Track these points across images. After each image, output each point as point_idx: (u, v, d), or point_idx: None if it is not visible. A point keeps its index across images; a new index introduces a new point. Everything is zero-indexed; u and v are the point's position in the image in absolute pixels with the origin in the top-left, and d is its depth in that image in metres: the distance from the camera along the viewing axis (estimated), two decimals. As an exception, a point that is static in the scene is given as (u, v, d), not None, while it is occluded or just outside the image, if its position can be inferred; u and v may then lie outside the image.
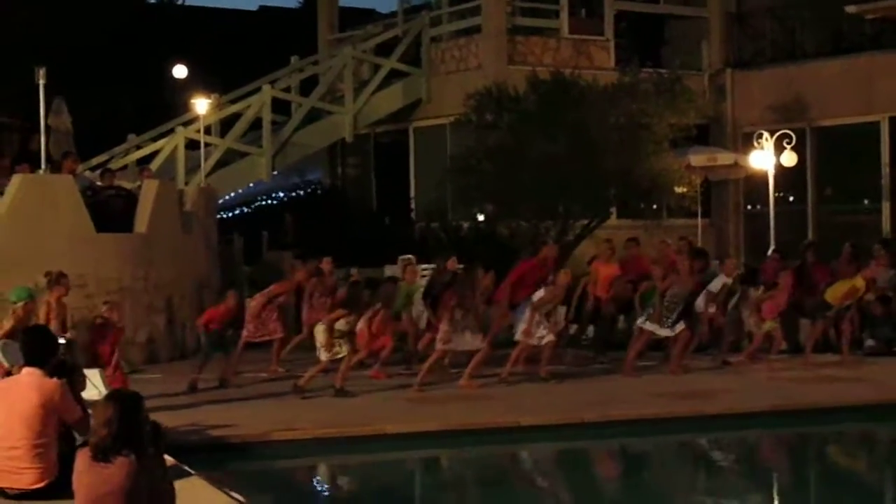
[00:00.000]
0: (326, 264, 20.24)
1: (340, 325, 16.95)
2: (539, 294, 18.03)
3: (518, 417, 15.26)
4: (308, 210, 28.68)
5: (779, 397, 16.60)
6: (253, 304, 19.01)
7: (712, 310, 19.47)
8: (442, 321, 17.67)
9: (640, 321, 18.92)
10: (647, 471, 15.20)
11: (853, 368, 18.96)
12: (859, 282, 19.63)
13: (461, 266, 19.41)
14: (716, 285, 19.54)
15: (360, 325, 17.23)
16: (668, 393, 16.86)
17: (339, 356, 16.95)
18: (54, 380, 9.49)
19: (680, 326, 18.68)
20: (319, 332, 16.99)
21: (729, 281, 19.62)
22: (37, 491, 9.42)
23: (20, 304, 14.78)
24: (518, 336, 18.12)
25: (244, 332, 18.93)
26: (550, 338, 18.04)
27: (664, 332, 18.76)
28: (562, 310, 19.01)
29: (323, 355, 16.96)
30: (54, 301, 15.91)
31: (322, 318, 17.35)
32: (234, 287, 19.48)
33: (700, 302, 19.33)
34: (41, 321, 15.03)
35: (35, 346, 9.73)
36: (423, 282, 19.97)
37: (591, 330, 21.04)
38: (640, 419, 15.48)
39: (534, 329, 17.86)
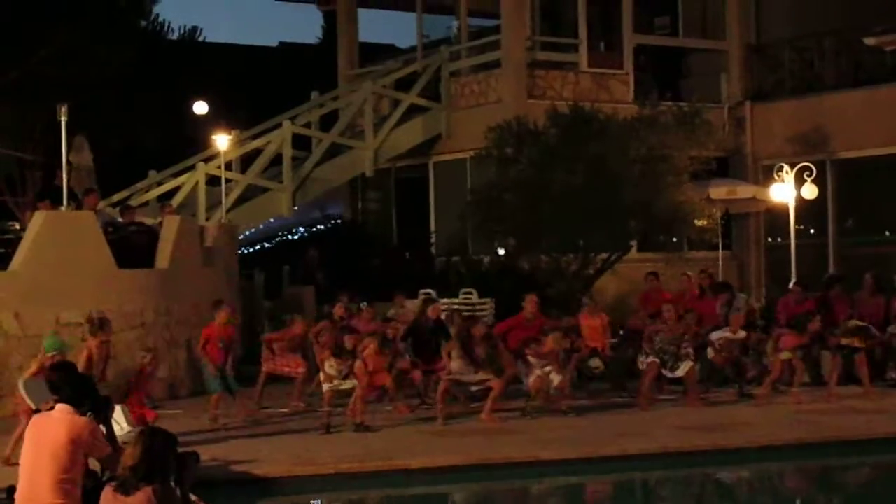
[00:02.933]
0: (339, 310, 20.24)
1: (331, 369, 17.06)
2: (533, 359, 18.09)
3: (539, 451, 15.22)
4: (329, 245, 28.69)
5: (801, 430, 16.53)
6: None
7: (711, 355, 19.49)
8: (445, 360, 17.86)
9: (639, 361, 18.98)
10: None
11: (877, 400, 18.89)
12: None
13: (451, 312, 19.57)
14: (717, 335, 19.53)
15: (357, 362, 17.29)
16: (690, 426, 16.80)
17: (344, 388, 17.02)
18: (84, 418, 9.52)
19: (686, 366, 18.68)
20: (321, 377, 17.45)
21: (732, 336, 19.59)
22: None
23: (49, 355, 14.78)
24: (530, 387, 18.17)
25: (264, 365, 19.04)
26: (560, 378, 18.06)
27: (667, 374, 18.82)
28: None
29: (325, 386, 17.18)
30: (95, 347, 15.92)
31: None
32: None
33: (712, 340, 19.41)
34: (82, 367, 14.97)
35: (71, 385, 9.75)
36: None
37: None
38: (661, 453, 15.43)
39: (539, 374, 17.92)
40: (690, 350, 18.89)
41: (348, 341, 17.29)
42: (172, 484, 7.88)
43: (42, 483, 9.27)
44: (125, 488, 7.70)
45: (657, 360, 18.68)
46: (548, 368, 17.92)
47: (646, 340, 18.97)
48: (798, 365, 19.45)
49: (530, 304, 19.65)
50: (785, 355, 19.25)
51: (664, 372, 18.82)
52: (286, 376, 19.29)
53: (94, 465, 9.77)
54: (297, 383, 19.23)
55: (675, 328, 18.91)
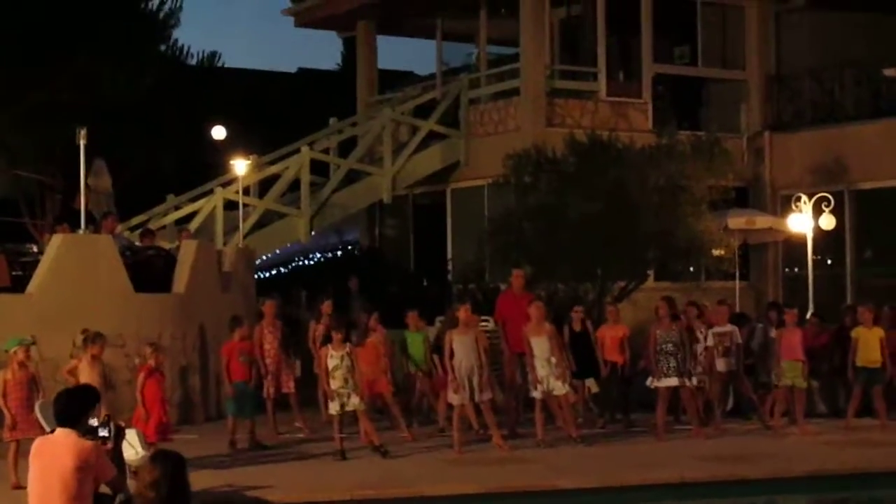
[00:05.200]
0: (327, 307, 20.32)
1: (338, 375, 16.95)
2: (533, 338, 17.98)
3: (556, 480, 15.18)
4: (345, 270, 28.67)
5: (819, 462, 16.46)
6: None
7: (722, 366, 19.42)
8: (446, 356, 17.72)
9: (648, 382, 18.93)
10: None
11: (893, 433, 18.79)
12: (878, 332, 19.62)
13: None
14: (710, 339, 19.46)
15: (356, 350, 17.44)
16: (709, 456, 16.73)
17: (350, 409, 16.98)
18: (90, 442, 9.48)
19: (691, 381, 18.62)
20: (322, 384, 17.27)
21: (720, 329, 19.56)
22: None
23: (12, 351, 15.00)
24: (532, 392, 18.08)
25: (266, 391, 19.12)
26: (563, 390, 17.97)
27: (670, 383, 18.64)
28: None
29: (332, 408, 17.03)
30: (88, 360, 15.91)
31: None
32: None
33: (719, 363, 19.34)
34: (81, 379, 15.03)
35: (67, 406, 9.71)
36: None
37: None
38: (681, 483, 15.37)
39: (539, 377, 17.80)
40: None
41: (335, 335, 17.18)
42: None
43: None
44: None
45: (674, 381, 18.56)
46: (554, 366, 17.83)
47: (653, 355, 18.81)
48: (799, 395, 19.40)
49: (517, 278, 19.86)
50: (789, 377, 19.22)
51: (667, 383, 18.63)
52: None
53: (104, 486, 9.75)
54: (291, 402, 19.44)
55: (670, 326, 18.81)
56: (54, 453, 9.38)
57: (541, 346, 17.85)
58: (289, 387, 19.52)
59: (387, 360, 19.05)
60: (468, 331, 17.55)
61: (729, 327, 19.82)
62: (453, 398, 17.53)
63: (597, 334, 20.11)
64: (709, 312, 20.28)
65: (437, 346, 19.47)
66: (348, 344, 17.13)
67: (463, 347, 17.38)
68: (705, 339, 19.34)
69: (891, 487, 16.07)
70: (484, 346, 17.75)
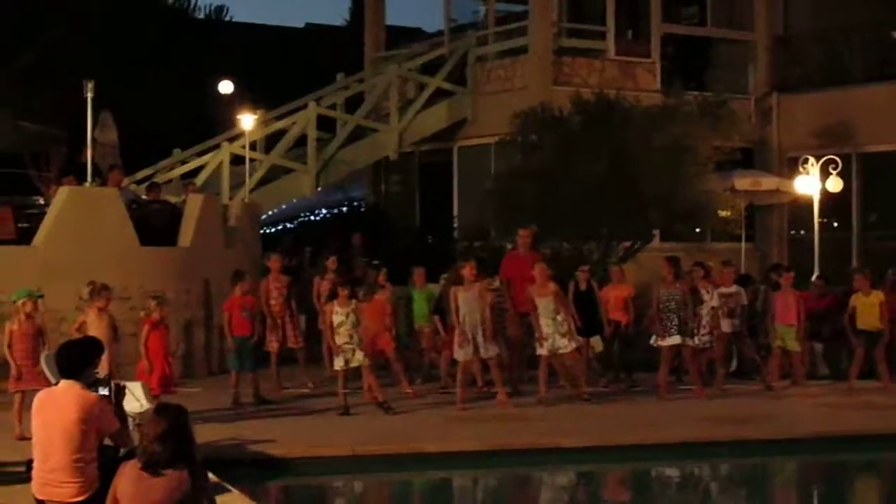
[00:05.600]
0: (332, 263, 20.33)
1: (343, 332, 16.99)
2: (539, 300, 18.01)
3: (558, 439, 15.23)
4: (350, 227, 28.69)
5: (820, 424, 16.51)
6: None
7: (726, 327, 19.45)
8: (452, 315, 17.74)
9: (651, 341, 18.96)
10: (683, 496, 15.13)
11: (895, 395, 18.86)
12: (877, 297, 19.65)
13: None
14: (715, 300, 19.46)
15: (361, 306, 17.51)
16: (709, 417, 16.78)
17: (354, 365, 17.02)
18: (94, 394, 9.50)
19: (692, 340, 18.65)
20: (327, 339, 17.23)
21: (725, 290, 19.61)
22: None
23: (20, 301, 14.98)
24: (538, 349, 18.12)
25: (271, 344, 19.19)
26: (569, 347, 18.02)
27: (673, 341, 18.65)
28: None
29: (336, 363, 17.04)
30: (95, 312, 15.94)
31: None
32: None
33: (724, 324, 19.40)
34: (90, 332, 15.01)
35: (70, 358, 9.72)
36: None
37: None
38: (680, 443, 15.43)
39: (545, 334, 17.84)
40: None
41: (341, 292, 17.22)
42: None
43: (56, 463, 9.28)
44: (154, 468, 7.64)
45: (677, 339, 18.60)
46: (560, 323, 17.88)
47: (656, 314, 18.83)
48: (796, 358, 19.49)
49: (523, 237, 19.89)
50: (782, 339, 19.31)
51: (670, 341, 18.62)
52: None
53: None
54: (299, 360, 19.64)
55: (672, 284, 18.83)
56: (58, 405, 9.41)
57: (546, 305, 17.88)
58: (296, 342, 19.55)
59: (391, 318, 19.09)
60: (472, 287, 17.59)
61: (734, 288, 19.87)
62: (458, 353, 17.59)
63: (601, 294, 20.13)
64: (715, 273, 20.29)
65: (438, 307, 19.51)
66: (354, 300, 17.18)
67: (467, 304, 17.43)
68: (711, 299, 19.36)
69: (892, 450, 16.14)
70: (490, 303, 17.81)
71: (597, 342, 20.21)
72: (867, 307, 19.60)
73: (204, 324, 21.05)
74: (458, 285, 17.75)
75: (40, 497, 9.48)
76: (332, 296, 17.48)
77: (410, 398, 18.21)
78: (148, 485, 7.65)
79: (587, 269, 20.43)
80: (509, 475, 15.17)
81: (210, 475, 8.48)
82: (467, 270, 17.78)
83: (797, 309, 19.67)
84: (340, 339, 16.93)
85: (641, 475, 15.67)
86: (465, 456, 14.71)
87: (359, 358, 16.95)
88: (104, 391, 9.60)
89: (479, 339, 17.41)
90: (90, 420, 9.33)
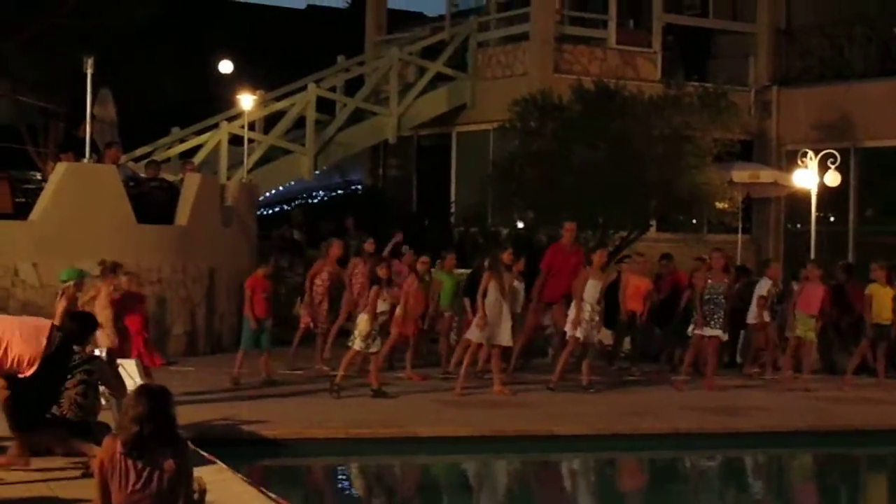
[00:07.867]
0: (370, 245, 20.24)
1: (382, 307, 17.02)
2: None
3: (552, 426, 15.23)
4: (348, 209, 28.69)
5: (813, 417, 16.53)
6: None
7: (767, 317, 19.55)
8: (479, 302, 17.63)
9: (689, 329, 18.96)
10: (673, 485, 15.15)
11: (890, 391, 18.86)
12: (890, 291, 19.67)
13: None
14: (762, 288, 19.58)
15: (399, 309, 17.50)
16: (704, 408, 16.80)
17: (371, 351, 16.99)
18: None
19: (722, 334, 18.67)
20: (362, 322, 16.99)
21: (773, 285, 19.77)
22: None
23: (70, 282, 14.80)
24: (567, 329, 18.10)
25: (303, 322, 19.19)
26: (596, 338, 18.17)
27: (713, 333, 18.65)
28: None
29: (357, 343, 16.95)
30: (105, 291, 15.85)
31: (361, 305, 17.42)
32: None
33: (752, 310, 19.43)
34: (97, 309, 14.88)
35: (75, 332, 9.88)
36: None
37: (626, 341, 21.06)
38: (672, 433, 15.44)
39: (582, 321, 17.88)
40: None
41: (381, 272, 17.18)
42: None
43: None
44: (140, 452, 7.63)
45: (718, 333, 18.62)
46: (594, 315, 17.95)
47: (699, 303, 18.75)
48: (805, 350, 19.50)
49: (568, 231, 19.85)
50: (800, 330, 19.31)
51: (710, 332, 18.58)
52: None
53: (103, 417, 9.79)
54: (318, 344, 19.45)
55: (721, 276, 18.85)
56: None
57: (594, 290, 17.98)
58: (325, 326, 19.48)
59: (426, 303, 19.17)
60: (507, 276, 17.67)
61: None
62: (474, 333, 17.56)
63: (623, 278, 20.23)
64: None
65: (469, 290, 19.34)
66: (394, 291, 17.38)
67: (496, 292, 17.46)
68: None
69: (886, 445, 16.18)
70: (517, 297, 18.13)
71: (606, 335, 20.22)
72: (882, 299, 19.57)
73: (200, 302, 21.02)
74: (495, 271, 17.71)
75: None
76: (376, 280, 17.30)
77: (414, 381, 18.26)
78: (139, 472, 7.63)
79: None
80: (501, 461, 15.19)
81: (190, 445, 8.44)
82: (507, 257, 17.99)
83: (822, 302, 19.69)
84: (371, 325, 16.90)
85: (634, 463, 15.69)
86: (457, 441, 14.71)
87: (377, 345, 16.99)
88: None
89: (500, 328, 17.46)
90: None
